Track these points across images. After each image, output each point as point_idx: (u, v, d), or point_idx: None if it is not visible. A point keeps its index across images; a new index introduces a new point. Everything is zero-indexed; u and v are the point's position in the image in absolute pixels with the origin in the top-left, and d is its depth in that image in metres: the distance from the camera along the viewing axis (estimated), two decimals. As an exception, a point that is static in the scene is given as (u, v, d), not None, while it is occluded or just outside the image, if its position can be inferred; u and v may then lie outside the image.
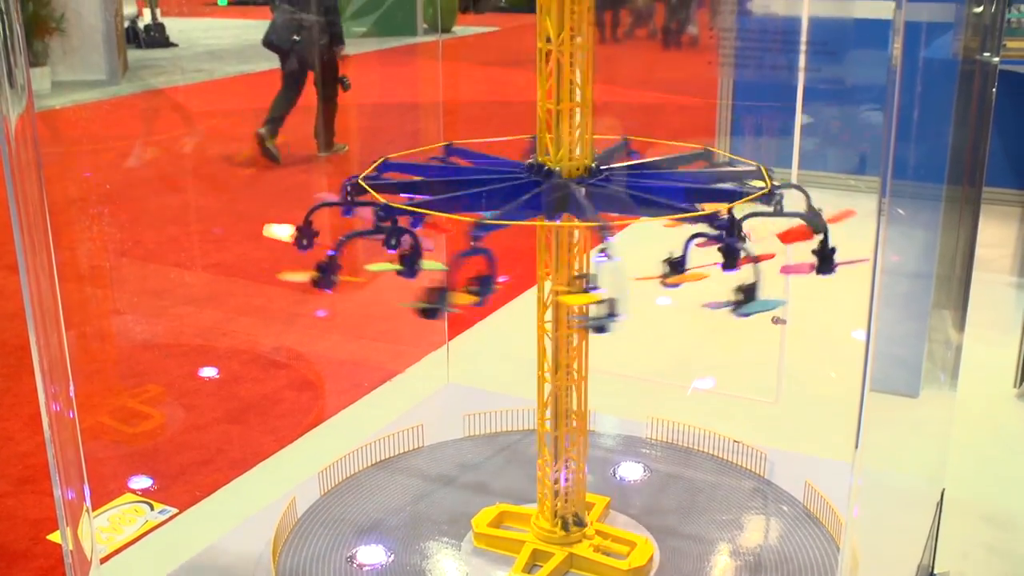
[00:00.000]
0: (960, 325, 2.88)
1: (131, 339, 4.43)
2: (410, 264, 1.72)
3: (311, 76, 7.52)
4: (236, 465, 3.27)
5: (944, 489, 2.71)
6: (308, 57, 7.41)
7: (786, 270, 1.91)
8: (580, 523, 2.16)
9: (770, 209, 1.92)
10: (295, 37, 7.32)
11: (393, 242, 1.74)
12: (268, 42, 7.48)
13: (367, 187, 1.92)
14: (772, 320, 3.23)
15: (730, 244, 1.66)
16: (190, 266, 5.14)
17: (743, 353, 3.89)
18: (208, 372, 4.06)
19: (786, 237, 1.86)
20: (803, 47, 3.30)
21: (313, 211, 1.94)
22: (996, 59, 2.74)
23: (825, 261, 1.89)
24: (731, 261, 1.68)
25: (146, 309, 4.70)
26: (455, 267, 1.64)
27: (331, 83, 7.50)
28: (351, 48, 8.09)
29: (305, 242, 1.94)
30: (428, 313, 1.62)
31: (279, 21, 7.33)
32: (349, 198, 1.92)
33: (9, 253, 2.24)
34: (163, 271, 5.21)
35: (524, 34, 13.30)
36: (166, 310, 4.71)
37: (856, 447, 1.60)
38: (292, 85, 7.53)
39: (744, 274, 1.72)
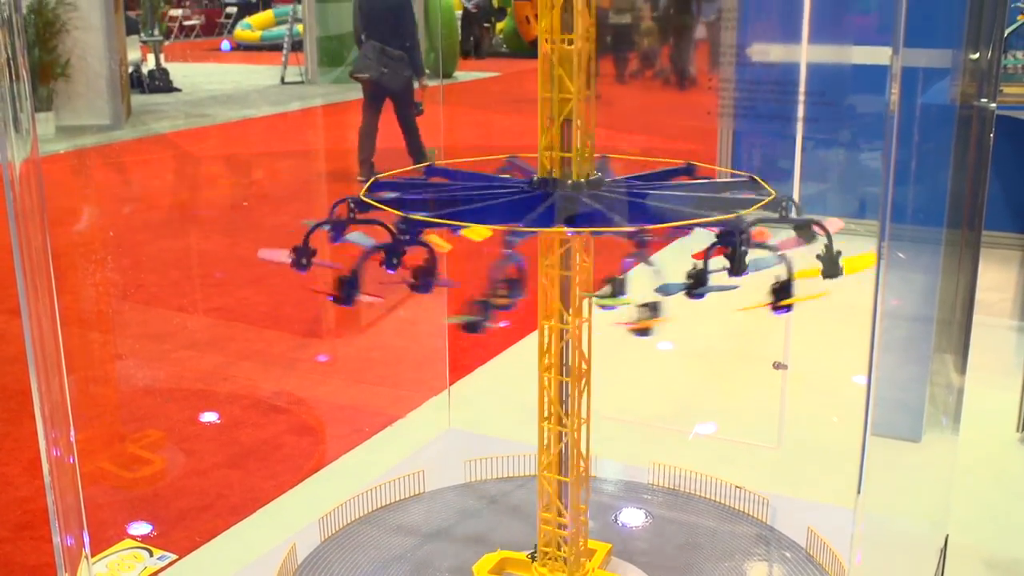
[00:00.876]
0: (961, 369, 2.88)
1: (132, 384, 4.42)
2: (426, 278, 1.73)
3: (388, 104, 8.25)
4: (236, 511, 3.25)
5: (948, 535, 2.69)
6: (391, 87, 8.09)
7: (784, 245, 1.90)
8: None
9: (775, 216, 1.91)
10: (383, 69, 7.98)
11: (395, 261, 1.74)
12: (357, 72, 8.18)
13: (375, 203, 1.91)
14: (773, 365, 3.23)
15: (738, 250, 1.66)
16: (191, 310, 5.14)
17: (744, 398, 3.89)
18: (208, 417, 4.05)
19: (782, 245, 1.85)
20: (801, 97, 3.32)
21: (312, 231, 1.93)
22: (993, 105, 2.76)
23: (831, 265, 1.87)
24: (738, 266, 1.68)
25: (147, 353, 4.70)
26: (498, 273, 1.64)
27: (410, 109, 8.26)
28: (354, 93, 8.40)
29: (304, 262, 1.92)
30: (472, 327, 1.62)
31: (370, 55, 8.02)
32: (352, 216, 1.91)
33: (11, 297, 2.24)
34: (164, 315, 5.21)
35: (525, 79, 13.36)
36: (167, 354, 4.71)
37: (858, 492, 1.59)
38: (375, 114, 8.24)
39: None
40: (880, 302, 1.66)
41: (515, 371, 4.27)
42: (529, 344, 4.03)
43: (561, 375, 2.04)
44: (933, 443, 3.14)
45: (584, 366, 2.04)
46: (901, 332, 3.33)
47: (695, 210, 1.83)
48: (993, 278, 5.50)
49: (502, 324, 1.63)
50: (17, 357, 4.26)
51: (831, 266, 1.86)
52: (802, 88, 3.31)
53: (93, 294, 5.27)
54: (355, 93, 12.25)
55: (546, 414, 2.08)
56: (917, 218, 3.26)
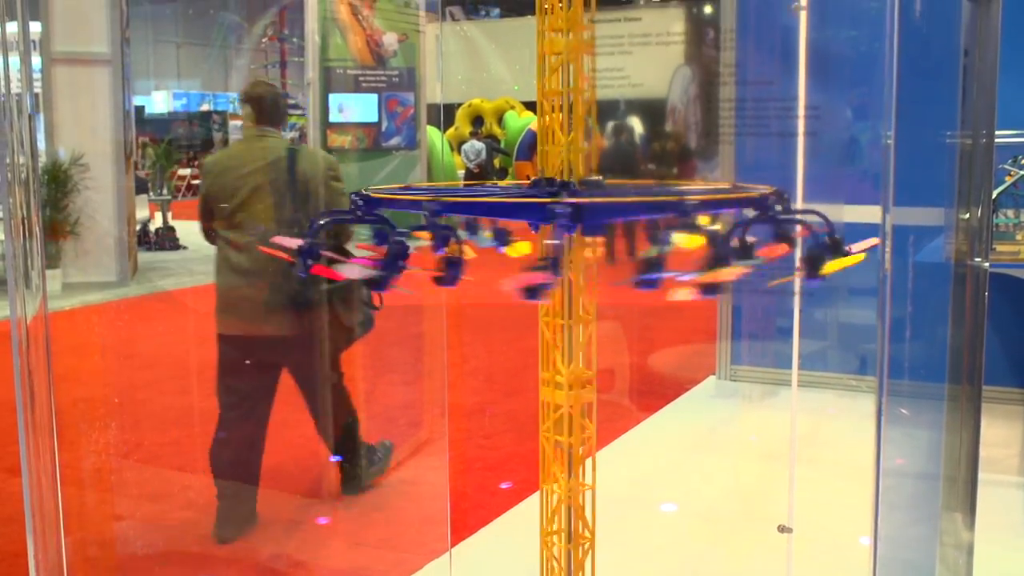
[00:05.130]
0: (971, 528, 2.84)
1: (129, 546, 4.35)
2: (453, 271, 1.70)
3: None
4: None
5: None
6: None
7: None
8: None
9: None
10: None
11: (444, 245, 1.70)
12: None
13: (387, 196, 1.86)
14: (778, 528, 3.19)
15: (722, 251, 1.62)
16: (191, 469, 5.10)
17: (750, 562, 3.81)
18: (206, 580, 3.98)
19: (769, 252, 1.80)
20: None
21: (323, 227, 1.88)
22: (986, 264, 2.81)
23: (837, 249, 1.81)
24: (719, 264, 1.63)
25: (145, 515, 4.64)
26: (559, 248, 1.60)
27: None
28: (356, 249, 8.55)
29: (310, 262, 1.86)
30: (534, 292, 1.57)
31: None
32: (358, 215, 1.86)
33: (11, 455, 2.23)
34: (164, 475, 5.16)
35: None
36: (165, 515, 4.64)
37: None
38: None
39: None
40: (881, 459, 1.65)
41: (518, 533, 4.20)
42: (532, 504, 3.99)
43: (564, 541, 2.01)
44: (946, 606, 3.07)
45: (587, 533, 2.02)
46: (907, 490, 3.29)
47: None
48: (997, 434, 5.47)
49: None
50: (14, 517, 4.20)
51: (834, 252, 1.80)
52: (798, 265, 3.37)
53: (93, 452, 5.23)
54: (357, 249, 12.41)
55: (549, 577, 2.04)
56: (918, 374, 3.28)
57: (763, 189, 1.78)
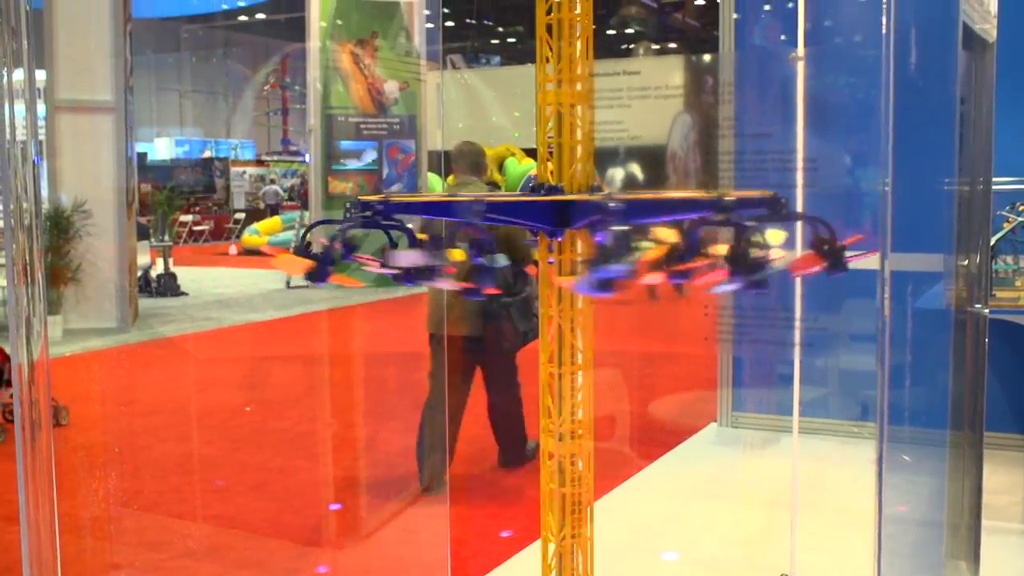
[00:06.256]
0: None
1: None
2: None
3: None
4: None
5: None
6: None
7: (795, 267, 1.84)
8: None
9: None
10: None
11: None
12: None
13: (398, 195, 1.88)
14: (780, 577, 3.16)
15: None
16: (190, 517, 5.07)
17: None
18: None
19: (796, 267, 1.80)
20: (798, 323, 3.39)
21: (311, 228, 1.87)
22: (986, 311, 2.82)
23: (836, 260, 1.80)
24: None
25: (143, 563, 4.60)
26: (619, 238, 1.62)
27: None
28: (359, 297, 8.40)
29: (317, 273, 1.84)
30: (607, 285, 1.58)
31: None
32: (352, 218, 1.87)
33: (9, 503, 2.22)
34: (163, 522, 5.13)
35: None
36: (163, 563, 4.61)
37: None
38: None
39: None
40: (882, 505, 1.64)
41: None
42: (533, 552, 3.96)
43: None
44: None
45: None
46: (910, 538, 3.27)
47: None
48: (1001, 481, 5.44)
49: None
50: (11, 567, 4.17)
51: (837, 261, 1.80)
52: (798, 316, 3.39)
53: (93, 499, 5.21)
54: (359, 297, 12.47)
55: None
56: (919, 420, 3.27)
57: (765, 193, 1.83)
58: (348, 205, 1.85)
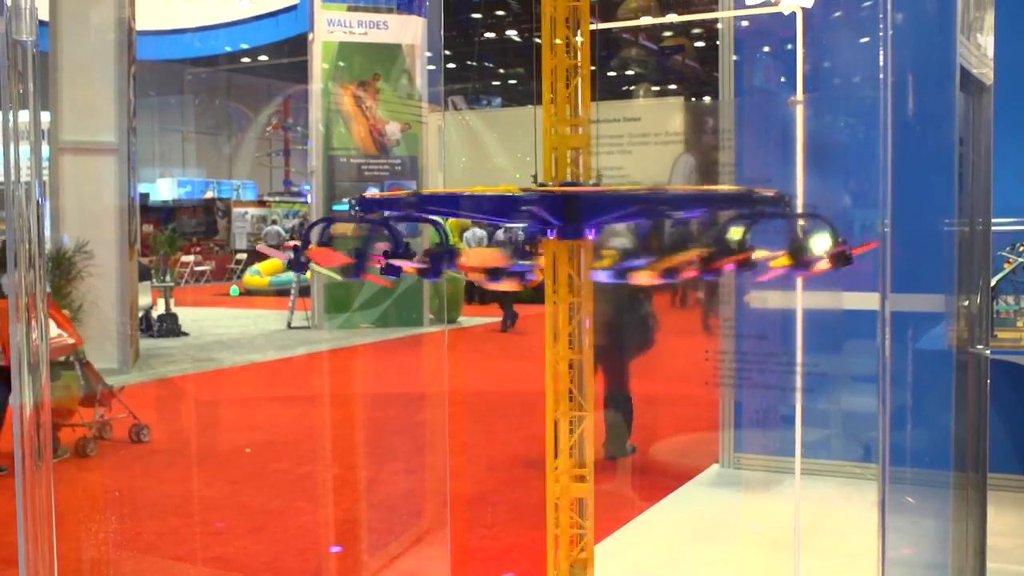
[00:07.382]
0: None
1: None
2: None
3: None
4: None
5: None
6: None
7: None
8: None
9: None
10: None
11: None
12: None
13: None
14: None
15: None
16: (190, 559, 5.03)
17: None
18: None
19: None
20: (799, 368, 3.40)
21: (312, 227, 1.88)
22: (988, 351, 2.81)
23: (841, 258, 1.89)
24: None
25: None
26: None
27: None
28: (360, 338, 8.41)
29: (304, 259, 1.85)
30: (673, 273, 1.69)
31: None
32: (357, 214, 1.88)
33: (8, 545, 2.21)
34: (162, 565, 5.09)
35: (529, 323, 13.55)
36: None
37: None
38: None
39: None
40: (886, 549, 1.64)
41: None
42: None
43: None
44: None
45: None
46: (915, 581, 3.25)
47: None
48: (1006, 522, 5.40)
49: None
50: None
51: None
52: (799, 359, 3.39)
53: (92, 543, 5.18)
54: (360, 338, 12.45)
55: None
56: (922, 462, 3.26)
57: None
58: (351, 200, 1.90)
